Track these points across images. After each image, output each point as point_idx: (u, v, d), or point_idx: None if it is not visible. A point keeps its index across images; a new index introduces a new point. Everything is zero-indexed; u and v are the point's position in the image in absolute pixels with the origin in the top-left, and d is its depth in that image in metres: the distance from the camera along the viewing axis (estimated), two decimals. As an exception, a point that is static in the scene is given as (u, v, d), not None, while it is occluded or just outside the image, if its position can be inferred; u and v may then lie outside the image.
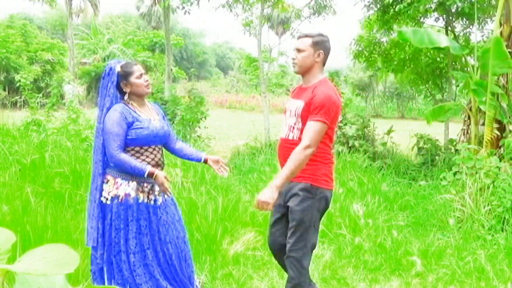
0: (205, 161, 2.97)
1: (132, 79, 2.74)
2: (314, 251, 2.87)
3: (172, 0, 10.49)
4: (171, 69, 11.73)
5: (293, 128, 2.71)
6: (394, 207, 5.53)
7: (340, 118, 8.71)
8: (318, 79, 2.71)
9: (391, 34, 9.42)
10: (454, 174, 5.40)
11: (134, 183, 2.74)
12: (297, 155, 2.54)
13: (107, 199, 2.73)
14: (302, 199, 2.66)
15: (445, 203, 5.23)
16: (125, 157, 2.66)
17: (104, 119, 2.71)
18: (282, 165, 2.71)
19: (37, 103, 8.20)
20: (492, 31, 6.69)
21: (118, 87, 2.78)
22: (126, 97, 2.78)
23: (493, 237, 4.47)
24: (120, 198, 2.71)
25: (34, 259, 0.69)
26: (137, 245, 2.74)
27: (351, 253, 4.01)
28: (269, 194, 2.49)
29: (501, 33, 6.08)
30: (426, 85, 10.98)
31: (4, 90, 19.11)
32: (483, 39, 8.65)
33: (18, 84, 9.10)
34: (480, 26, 8.68)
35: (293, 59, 2.77)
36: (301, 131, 2.65)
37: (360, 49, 10.03)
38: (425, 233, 4.74)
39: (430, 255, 4.01)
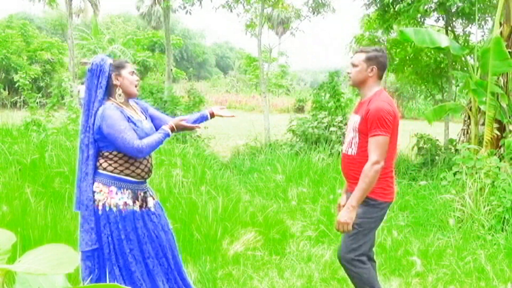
0: (212, 115, 2.99)
1: (125, 72, 2.63)
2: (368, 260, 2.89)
3: (173, 0, 10.49)
4: (171, 69, 11.72)
5: (351, 143, 2.78)
6: (394, 207, 5.52)
7: (340, 118, 8.72)
8: (373, 92, 2.76)
9: (391, 34, 9.42)
10: (454, 174, 5.40)
11: (129, 191, 2.61)
12: (367, 173, 2.60)
13: (101, 209, 2.56)
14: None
15: (445, 203, 5.23)
16: (148, 141, 2.53)
17: (100, 120, 2.50)
18: (346, 178, 2.91)
19: (37, 103, 8.19)
20: (491, 30, 6.69)
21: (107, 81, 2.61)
22: (116, 94, 2.61)
23: (493, 237, 4.47)
24: (119, 207, 2.57)
25: (34, 259, 0.69)
26: (139, 255, 2.63)
27: (351, 253, 4.00)
28: (347, 214, 2.64)
29: (501, 33, 6.08)
30: (426, 85, 10.97)
31: (4, 90, 19.12)
32: (483, 39, 8.65)
33: (17, 84, 9.09)
34: (480, 26, 8.68)
35: (348, 73, 2.85)
36: (358, 145, 2.73)
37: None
38: (425, 233, 4.74)
39: (430, 255, 4.01)
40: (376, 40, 9.91)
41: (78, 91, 10.09)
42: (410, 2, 7.47)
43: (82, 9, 28.82)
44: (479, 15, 7.86)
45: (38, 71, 20.03)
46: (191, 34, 42.18)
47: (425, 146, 8.62)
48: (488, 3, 8.19)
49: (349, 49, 10.24)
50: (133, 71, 2.69)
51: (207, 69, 43.21)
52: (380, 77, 2.83)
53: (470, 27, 9.25)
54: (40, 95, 9.41)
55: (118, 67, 2.64)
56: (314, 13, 11.34)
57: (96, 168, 2.61)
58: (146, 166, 2.69)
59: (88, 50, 25.34)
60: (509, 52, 5.74)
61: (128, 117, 2.58)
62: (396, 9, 7.87)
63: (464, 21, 9.10)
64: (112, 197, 2.57)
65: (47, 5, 14.58)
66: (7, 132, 6.33)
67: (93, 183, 2.59)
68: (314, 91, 10.32)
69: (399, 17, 8.15)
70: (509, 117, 5.98)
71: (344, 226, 2.66)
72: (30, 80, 9.55)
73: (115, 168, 2.59)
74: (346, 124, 8.48)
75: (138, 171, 2.64)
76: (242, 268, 3.62)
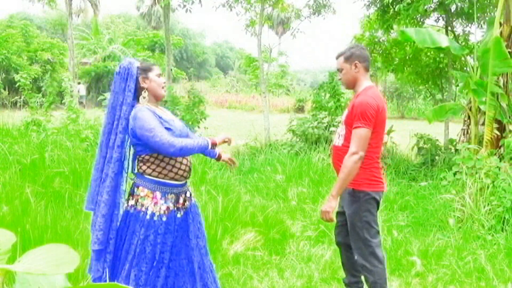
0: (219, 158, 2.92)
1: (152, 75, 2.65)
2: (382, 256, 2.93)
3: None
4: (171, 69, 11.72)
5: (340, 135, 2.92)
6: (394, 207, 5.53)
7: (340, 118, 8.73)
8: (362, 87, 2.87)
9: (391, 34, 9.42)
10: (454, 174, 5.40)
11: (172, 195, 2.62)
12: (345, 163, 2.72)
13: (143, 214, 2.57)
14: (349, 203, 2.86)
15: (445, 203, 5.23)
16: (183, 140, 2.52)
17: (133, 123, 2.51)
18: (335, 169, 3.00)
19: (37, 103, 8.20)
20: (487, 29, 6.69)
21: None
22: (143, 97, 2.63)
23: (493, 237, 4.47)
24: (162, 213, 2.58)
25: (34, 259, 0.69)
26: (167, 258, 2.63)
27: (351, 253, 4.00)
28: (327, 204, 2.77)
29: (501, 33, 6.08)
30: (426, 85, 10.98)
31: (4, 90, 19.12)
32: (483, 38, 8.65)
33: (18, 84, 9.10)
34: (480, 26, 8.68)
35: (339, 79, 3.00)
36: (345, 137, 2.85)
37: (360, 48, 10.01)
38: (425, 233, 4.74)
39: (430, 255, 4.02)
40: (376, 40, 9.91)
41: (78, 90, 10.10)
42: (409, 2, 7.47)
43: (82, 9, 28.86)
44: (479, 14, 7.85)
45: (39, 71, 20.03)
46: (191, 34, 42.20)
47: (425, 146, 8.62)
48: (488, 3, 8.19)
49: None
50: (160, 73, 2.71)
51: (207, 69, 43.22)
52: (367, 69, 2.92)
53: (470, 27, 9.26)
54: (40, 95, 9.40)
55: (146, 70, 2.65)
56: (314, 14, 11.34)
57: (140, 173, 2.62)
58: (186, 165, 2.70)
59: (88, 50, 25.37)
60: (509, 52, 5.75)
61: (160, 117, 2.59)
62: (396, 9, 7.87)
63: (464, 21, 9.11)
64: (156, 202, 2.58)
65: (46, 5, 14.57)
66: (7, 132, 6.34)
67: (137, 186, 2.60)
68: (314, 91, 10.32)
69: (399, 17, 8.16)
70: (509, 117, 5.98)
71: (326, 215, 2.77)
72: (30, 81, 9.55)
73: (159, 172, 2.59)
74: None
75: (181, 172, 2.65)
76: (242, 268, 3.62)
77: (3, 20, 23.24)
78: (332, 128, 8.61)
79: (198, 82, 31.41)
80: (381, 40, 9.94)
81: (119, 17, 37.25)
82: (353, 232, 2.87)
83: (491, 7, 8.08)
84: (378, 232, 2.91)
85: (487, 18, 8.46)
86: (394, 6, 8.02)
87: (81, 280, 2.96)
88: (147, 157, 2.60)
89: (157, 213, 2.58)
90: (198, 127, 9.49)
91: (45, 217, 3.81)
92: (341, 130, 2.91)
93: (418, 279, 3.65)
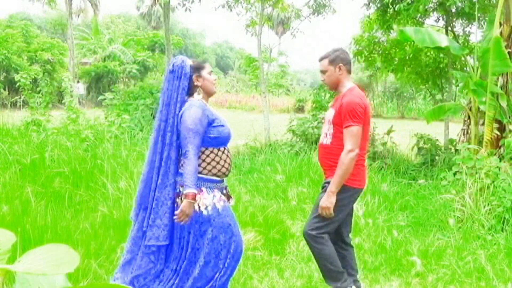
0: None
1: (204, 73, 2.72)
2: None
3: (172, -1, 10.49)
4: (171, 69, 11.69)
5: (327, 134, 3.02)
6: (394, 207, 5.53)
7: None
8: (346, 88, 3.00)
9: (391, 34, 9.42)
10: (454, 174, 5.40)
11: (216, 190, 2.66)
12: (343, 160, 2.84)
13: (199, 210, 2.58)
14: (326, 190, 2.95)
15: (445, 203, 5.23)
16: (195, 163, 2.53)
17: (183, 115, 2.58)
18: (322, 167, 3.14)
19: (37, 103, 8.20)
20: (485, 30, 6.69)
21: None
22: (198, 94, 2.69)
23: (493, 237, 4.47)
24: (214, 207, 2.62)
25: (34, 259, 0.69)
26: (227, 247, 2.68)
27: (351, 253, 4.00)
28: (327, 199, 2.87)
29: (501, 33, 6.08)
30: (426, 85, 10.97)
31: (4, 90, 19.12)
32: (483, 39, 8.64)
33: (18, 84, 9.10)
34: (480, 26, 8.68)
35: (322, 80, 3.13)
36: (333, 136, 2.96)
37: (360, 48, 10.04)
38: (425, 233, 4.74)
39: (430, 255, 4.01)
40: (376, 40, 9.91)
41: (78, 88, 10.10)
42: (410, 1, 7.47)
43: (82, 9, 28.84)
44: (479, 15, 7.85)
45: (39, 71, 20.02)
46: (191, 34, 42.21)
47: (425, 146, 8.62)
48: (488, 3, 8.19)
49: (348, 52, 10.22)
50: (211, 71, 2.79)
51: (207, 69, 43.18)
52: (349, 72, 3.05)
53: (470, 27, 9.26)
54: (40, 95, 9.39)
55: (198, 68, 2.72)
56: (314, 14, 11.33)
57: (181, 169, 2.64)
58: (229, 164, 2.74)
59: (88, 50, 25.34)
60: (509, 52, 5.74)
61: (213, 114, 2.66)
62: (396, 9, 7.87)
63: (464, 21, 9.11)
64: (205, 197, 2.60)
65: (46, 5, 14.57)
66: (7, 132, 6.33)
67: (176, 183, 2.63)
68: (314, 91, 10.33)
69: (399, 17, 8.15)
70: (509, 117, 5.98)
71: (326, 210, 2.87)
72: (30, 81, 9.57)
73: (204, 168, 2.62)
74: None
75: (224, 169, 2.69)
76: (242, 268, 3.62)
77: (3, 20, 23.22)
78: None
79: (198, 82, 31.29)
80: (381, 40, 9.93)
81: (119, 17, 37.21)
82: (314, 213, 3.00)
83: (491, 7, 8.07)
84: (349, 231, 3.05)
85: (487, 18, 8.47)
86: (394, 6, 8.02)
87: (81, 280, 2.96)
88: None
89: (209, 207, 2.60)
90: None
91: (45, 217, 3.81)
92: (328, 129, 3.01)
93: (418, 279, 3.65)
